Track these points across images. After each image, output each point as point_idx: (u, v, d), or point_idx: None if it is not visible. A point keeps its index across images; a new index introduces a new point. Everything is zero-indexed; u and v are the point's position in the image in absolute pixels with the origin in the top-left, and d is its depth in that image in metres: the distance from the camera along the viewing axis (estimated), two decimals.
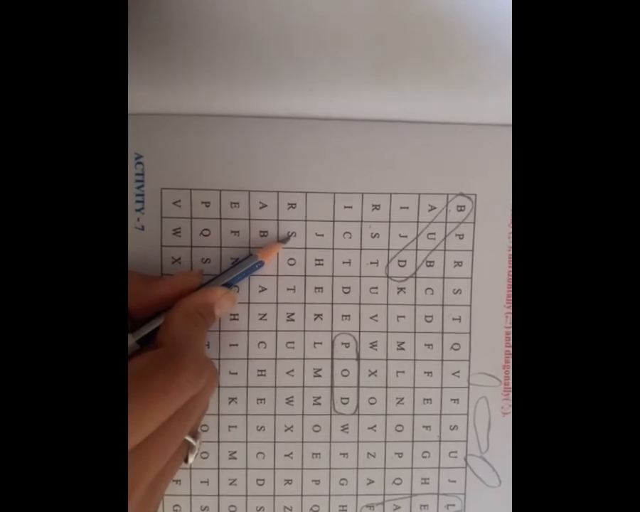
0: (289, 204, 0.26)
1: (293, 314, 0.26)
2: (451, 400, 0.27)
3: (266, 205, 0.26)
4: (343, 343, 0.27)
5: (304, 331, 0.26)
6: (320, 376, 0.27)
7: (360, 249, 0.26)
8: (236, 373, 0.26)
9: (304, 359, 0.27)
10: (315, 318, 0.26)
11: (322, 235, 0.26)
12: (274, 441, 0.27)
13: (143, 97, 0.24)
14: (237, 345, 0.26)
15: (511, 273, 0.26)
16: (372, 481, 0.27)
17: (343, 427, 0.27)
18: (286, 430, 0.27)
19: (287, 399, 0.27)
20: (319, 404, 0.27)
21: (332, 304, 0.26)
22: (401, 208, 0.26)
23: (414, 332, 0.27)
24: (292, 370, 0.27)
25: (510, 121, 0.25)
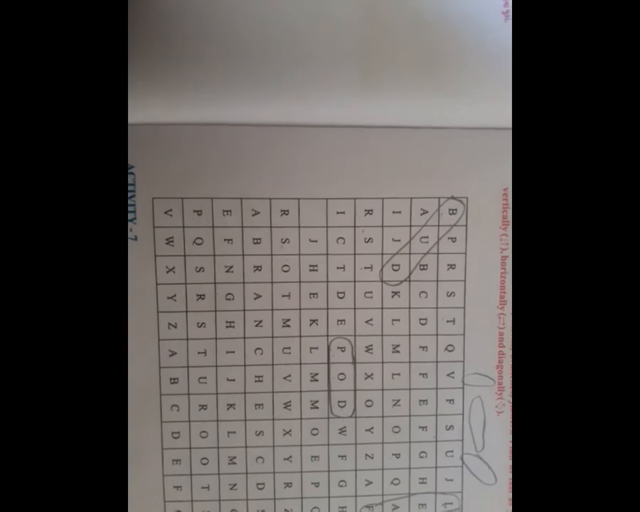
0: (281, 211, 0.26)
1: (289, 320, 0.27)
2: (447, 400, 0.27)
3: (258, 213, 0.26)
4: (339, 348, 0.27)
5: (300, 336, 0.27)
6: (317, 380, 0.27)
7: (354, 254, 0.26)
8: (234, 380, 0.27)
9: (300, 364, 0.27)
10: (311, 324, 0.27)
11: (316, 241, 0.26)
12: (273, 446, 0.27)
13: (132, 106, 0.24)
14: (233, 352, 0.26)
15: (503, 274, 0.26)
16: (371, 482, 0.27)
17: (340, 429, 0.27)
18: (284, 434, 0.27)
19: (285, 403, 0.27)
20: (317, 407, 0.27)
21: (327, 309, 0.27)
22: (393, 212, 0.26)
23: (409, 335, 0.27)
24: (289, 376, 0.27)
25: (498, 124, 0.25)
